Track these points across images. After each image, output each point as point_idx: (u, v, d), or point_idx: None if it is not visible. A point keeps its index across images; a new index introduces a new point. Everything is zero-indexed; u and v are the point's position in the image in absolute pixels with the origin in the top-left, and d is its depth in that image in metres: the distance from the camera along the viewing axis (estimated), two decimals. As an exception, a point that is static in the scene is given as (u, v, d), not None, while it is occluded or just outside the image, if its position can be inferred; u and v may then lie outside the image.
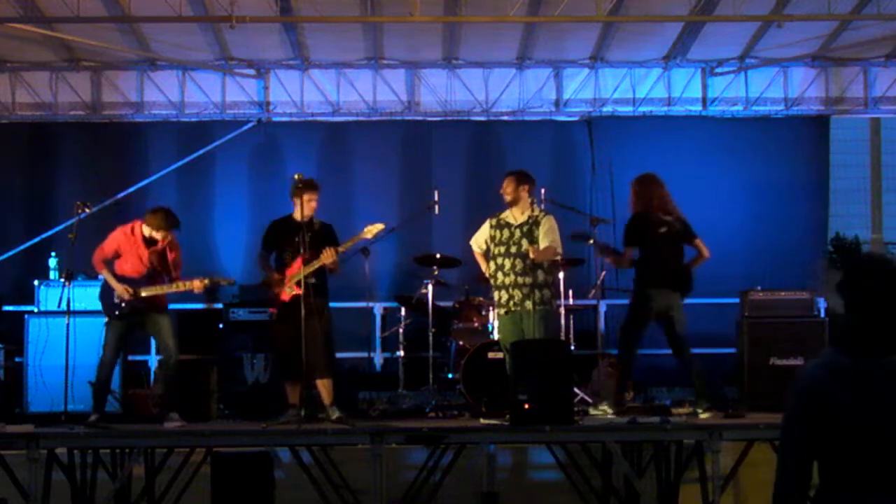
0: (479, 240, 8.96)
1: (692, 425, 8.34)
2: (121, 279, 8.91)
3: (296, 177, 8.69)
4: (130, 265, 8.98)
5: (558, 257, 8.83)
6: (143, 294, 8.89)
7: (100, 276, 9.08)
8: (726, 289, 11.22)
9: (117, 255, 9.01)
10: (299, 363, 8.38)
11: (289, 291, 8.69)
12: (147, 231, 9.02)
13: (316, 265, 8.61)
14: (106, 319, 9.00)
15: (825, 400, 3.31)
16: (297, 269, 8.62)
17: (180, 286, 8.97)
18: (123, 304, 8.88)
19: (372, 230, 8.81)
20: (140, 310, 8.92)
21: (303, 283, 8.44)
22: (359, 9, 10.63)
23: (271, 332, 9.14)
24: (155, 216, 9.04)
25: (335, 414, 8.51)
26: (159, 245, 8.99)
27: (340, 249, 8.70)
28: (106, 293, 8.99)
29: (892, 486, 3.20)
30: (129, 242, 8.99)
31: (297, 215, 8.74)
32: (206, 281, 8.98)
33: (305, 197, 8.70)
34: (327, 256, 8.60)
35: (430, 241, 11.60)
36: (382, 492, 7.87)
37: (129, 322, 8.99)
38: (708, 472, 8.23)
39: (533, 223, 8.70)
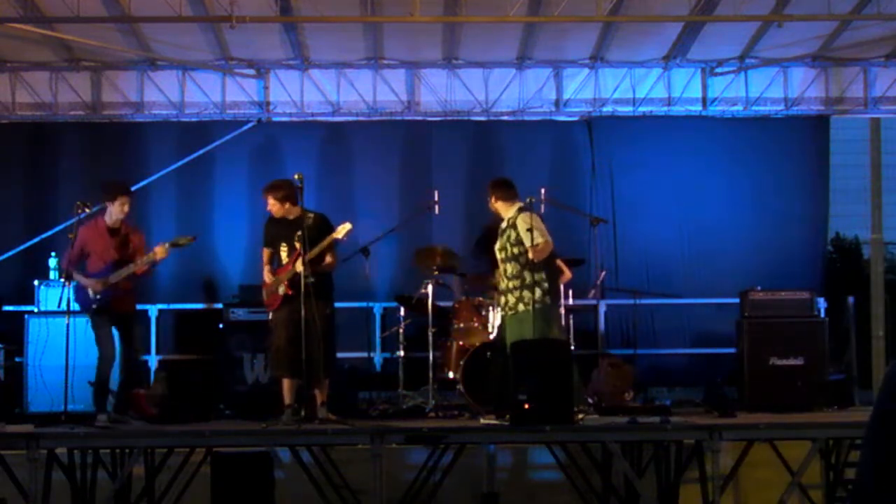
0: (496, 248, 9.20)
1: (692, 425, 8.34)
2: (91, 276, 9.04)
3: (296, 176, 8.73)
4: (97, 258, 9.08)
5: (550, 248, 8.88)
6: (113, 280, 8.96)
7: (72, 283, 9.15)
8: (726, 289, 11.23)
9: (85, 254, 9.09)
10: (296, 362, 8.40)
11: (280, 292, 8.73)
12: (109, 221, 9.10)
13: (288, 276, 8.63)
14: (90, 321, 9.08)
15: None
16: (288, 269, 8.69)
17: (142, 262, 9.02)
18: (98, 297, 8.97)
19: (341, 230, 8.86)
20: (114, 308, 9.03)
21: (302, 283, 8.49)
22: (359, 9, 10.62)
23: (269, 329, 9.17)
24: (104, 191, 9.18)
25: (325, 415, 8.53)
26: (122, 230, 9.12)
27: (308, 256, 8.65)
28: (78, 292, 9.08)
29: None
30: (94, 234, 9.10)
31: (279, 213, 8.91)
32: (167, 245, 9.00)
33: (267, 202, 8.95)
34: (298, 265, 8.60)
35: (431, 242, 11.57)
36: (382, 492, 7.87)
37: (109, 317, 9.05)
38: (708, 472, 8.23)
39: (511, 227, 8.89)
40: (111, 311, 9.04)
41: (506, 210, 9.02)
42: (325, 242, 8.78)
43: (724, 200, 12.31)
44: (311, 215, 8.94)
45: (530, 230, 8.74)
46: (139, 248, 9.19)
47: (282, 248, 8.90)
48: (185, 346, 11.46)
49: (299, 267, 8.61)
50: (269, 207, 8.98)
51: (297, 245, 8.74)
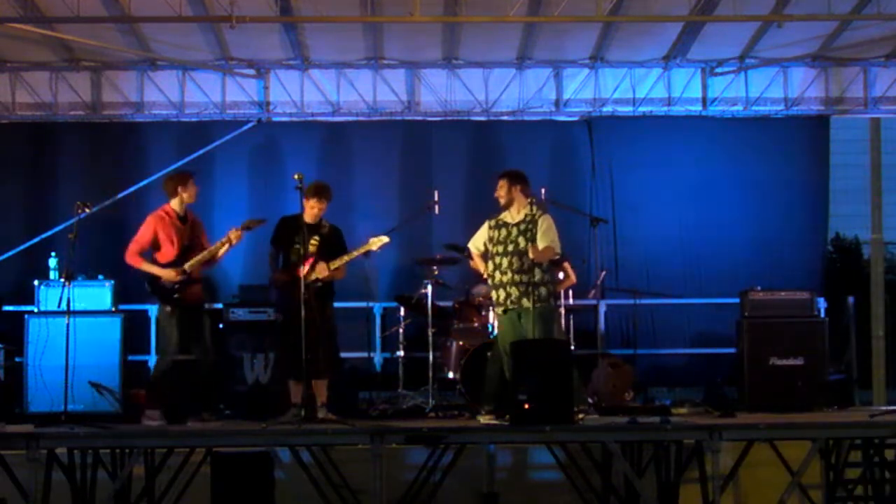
0: (478, 242, 9.00)
1: (692, 425, 8.34)
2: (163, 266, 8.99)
3: (296, 176, 8.72)
4: (170, 246, 9.04)
5: (557, 256, 8.86)
6: (187, 268, 8.93)
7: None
8: (726, 289, 11.23)
9: (155, 244, 9.04)
10: (302, 363, 8.42)
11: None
12: (178, 208, 9.10)
13: (311, 276, 8.67)
14: (160, 319, 9.05)
15: None
16: (307, 275, 8.70)
17: (216, 246, 9.02)
18: (177, 286, 8.94)
19: (377, 242, 8.95)
20: (187, 299, 9.01)
21: (301, 286, 8.51)
22: (359, 9, 10.63)
23: (279, 331, 9.18)
24: (174, 181, 9.17)
25: (323, 413, 8.54)
26: (188, 217, 9.14)
27: (333, 266, 8.75)
28: (155, 284, 9.01)
29: None
30: (164, 224, 9.06)
31: (306, 216, 8.85)
32: (240, 229, 8.99)
33: (309, 203, 8.85)
34: (320, 271, 8.69)
35: (430, 241, 11.60)
36: (382, 492, 7.87)
37: (181, 311, 9.00)
38: (708, 472, 8.24)
39: (530, 222, 8.72)
40: (184, 303, 9.02)
41: (521, 203, 8.87)
42: (357, 252, 8.93)
43: (723, 200, 12.31)
44: (327, 225, 9.00)
45: (549, 234, 8.69)
46: (202, 234, 9.26)
47: (292, 252, 8.88)
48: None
49: (321, 273, 8.69)
50: (311, 208, 8.89)
51: (312, 249, 8.81)
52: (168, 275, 8.94)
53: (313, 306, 8.52)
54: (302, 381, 8.61)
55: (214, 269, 11.90)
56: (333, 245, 8.94)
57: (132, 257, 9.00)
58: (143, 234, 9.03)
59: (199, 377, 9.12)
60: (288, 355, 8.84)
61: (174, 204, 9.12)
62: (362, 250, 8.99)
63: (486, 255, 8.95)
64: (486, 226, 8.95)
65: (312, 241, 8.88)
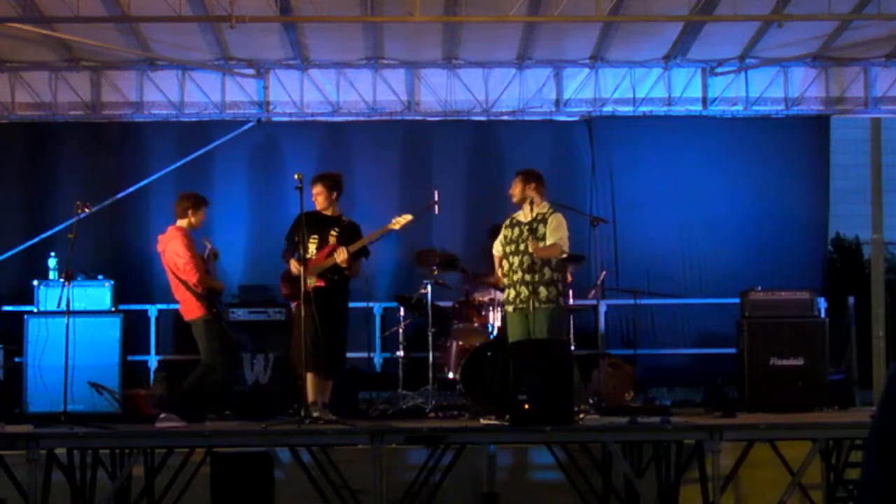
0: (497, 245, 9.05)
1: (692, 425, 8.34)
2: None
3: (296, 176, 8.73)
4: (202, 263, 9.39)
5: (564, 255, 8.85)
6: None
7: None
8: (726, 289, 11.23)
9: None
10: (305, 359, 8.41)
11: (309, 283, 8.68)
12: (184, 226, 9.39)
13: (321, 268, 8.69)
14: (219, 323, 9.24)
15: None
16: (317, 262, 8.70)
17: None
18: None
19: (400, 221, 8.94)
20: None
21: (303, 283, 8.48)
22: (359, 9, 10.62)
23: (291, 323, 9.21)
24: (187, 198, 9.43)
25: (324, 415, 8.50)
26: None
27: (352, 248, 8.77)
28: (214, 293, 9.36)
29: None
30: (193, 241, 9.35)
31: (318, 206, 8.96)
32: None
33: (313, 191, 8.93)
34: (339, 255, 8.71)
35: (430, 241, 11.58)
36: (382, 492, 7.88)
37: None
38: (708, 472, 8.24)
39: (540, 221, 8.75)
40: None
41: (536, 202, 8.86)
42: (380, 232, 8.95)
43: (723, 200, 12.30)
44: (347, 220, 9.04)
45: (557, 232, 8.69)
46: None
47: (311, 242, 8.87)
48: (184, 347, 11.44)
49: (339, 258, 8.68)
50: (314, 197, 8.96)
51: (332, 240, 8.81)
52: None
53: (311, 299, 8.47)
54: (317, 376, 8.62)
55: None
56: (351, 239, 8.95)
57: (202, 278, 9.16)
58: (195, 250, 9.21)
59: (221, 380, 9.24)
60: (302, 349, 8.79)
61: (182, 223, 9.28)
62: (383, 231, 8.98)
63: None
64: (503, 226, 9.02)
65: (332, 233, 8.93)
